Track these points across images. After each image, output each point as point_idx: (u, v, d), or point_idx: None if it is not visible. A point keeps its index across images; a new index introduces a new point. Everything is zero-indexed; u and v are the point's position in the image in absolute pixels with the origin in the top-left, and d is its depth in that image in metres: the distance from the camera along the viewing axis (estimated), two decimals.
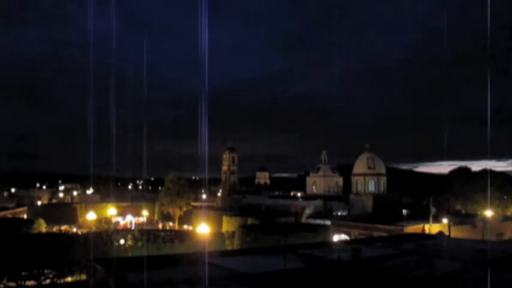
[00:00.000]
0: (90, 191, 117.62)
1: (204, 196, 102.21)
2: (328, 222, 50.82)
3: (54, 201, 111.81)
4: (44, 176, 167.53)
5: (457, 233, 44.91)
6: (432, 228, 44.78)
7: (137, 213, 78.27)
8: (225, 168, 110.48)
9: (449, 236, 39.39)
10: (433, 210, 49.33)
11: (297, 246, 28.29)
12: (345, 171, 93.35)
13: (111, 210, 67.11)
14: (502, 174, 75.56)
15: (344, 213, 69.57)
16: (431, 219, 47.26)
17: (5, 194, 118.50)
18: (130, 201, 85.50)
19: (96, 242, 32.23)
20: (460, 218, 54.72)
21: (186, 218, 69.93)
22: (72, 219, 70.37)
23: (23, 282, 17.61)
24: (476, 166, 79.20)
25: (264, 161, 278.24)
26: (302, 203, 73.61)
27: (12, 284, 17.47)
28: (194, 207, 74.98)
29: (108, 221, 69.75)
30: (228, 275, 18.65)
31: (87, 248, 26.27)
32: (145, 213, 79.19)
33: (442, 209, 57.36)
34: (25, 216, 66.55)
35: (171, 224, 72.70)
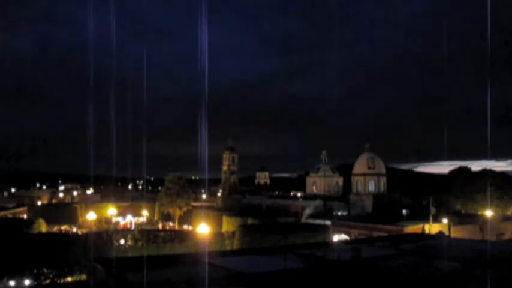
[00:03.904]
0: (90, 191, 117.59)
1: (204, 196, 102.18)
2: (328, 222, 50.79)
3: (54, 201, 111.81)
4: (44, 176, 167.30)
5: (457, 233, 44.88)
6: (432, 228, 44.74)
7: (137, 213, 78.24)
8: (225, 168, 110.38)
9: (449, 236, 39.38)
10: (433, 210, 49.26)
11: (297, 246, 28.30)
12: (345, 171, 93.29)
13: (111, 210, 67.09)
14: (502, 174, 75.56)
15: (344, 213, 69.53)
16: (431, 219, 47.21)
17: (5, 194, 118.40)
18: (130, 201, 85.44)
19: (96, 242, 32.24)
20: (460, 218, 54.68)
21: (186, 218, 69.92)
22: (72, 219, 70.36)
23: (23, 282, 17.64)
24: (476, 166, 79.13)
25: (264, 161, 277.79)
26: (302, 203, 73.59)
27: (12, 283, 17.49)
28: (194, 207, 74.98)
29: (108, 221, 69.74)
30: (228, 275, 18.65)
31: (87, 248, 26.27)
32: (145, 213, 79.16)
33: (442, 209, 57.27)
34: (25, 216, 66.56)
35: (171, 224, 72.69)
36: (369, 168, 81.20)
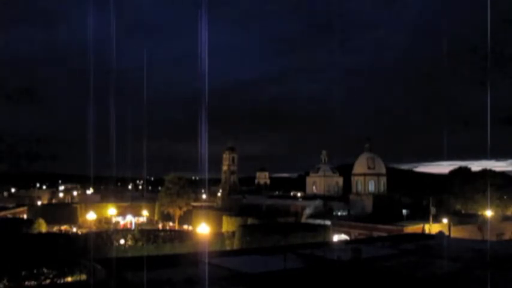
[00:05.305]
0: (90, 191, 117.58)
1: (204, 196, 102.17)
2: (328, 222, 50.79)
3: (54, 201, 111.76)
4: (44, 176, 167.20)
5: (457, 233, 44.87)
6: (432, 228, 44.73)
7: (137, 213, 78.22)
8: (225, 168, 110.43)
9: (449, 236, 39.37)
10: (433, 210, 49.25)
11: (297, 246, 28.28)
12: (345, 171, 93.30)
13: (111, 210, 67.09)
14: (502, 174, 75.59)
15: (344, 213, 69.53)
16: (431, 219, 47.21)
17: (5, 194, 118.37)
18: (130, 201, 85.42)
19: (96, 242, 32.21)
20: (460, 218, 54.67)
21: (186, 218, 69.89)
22: (72, 219, 70.33)
23: (23, 282, 17.61)
24: (476, 166, 78.90)
25: (264, 161, 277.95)
26: (302, 203, 73.56)
27: (12, 284, 17.47)
28: (194, 207, 74.95)
29: (108, 221, 69.70)
30: (228, 275, 18.64)
31: (87, 248, 26.26)
32: (145, 213, 79.15)
33: (442, 209, 57.28)
34: (25, 216, 66.51)
35: (171, 224, 72.67)
36: (369, 168, 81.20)
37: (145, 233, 38.41)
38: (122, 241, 35.59)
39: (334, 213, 66.46)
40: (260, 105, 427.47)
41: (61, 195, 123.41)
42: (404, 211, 56.02)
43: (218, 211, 71.12)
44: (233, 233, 41.42)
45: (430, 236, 36.18)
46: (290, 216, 61.96)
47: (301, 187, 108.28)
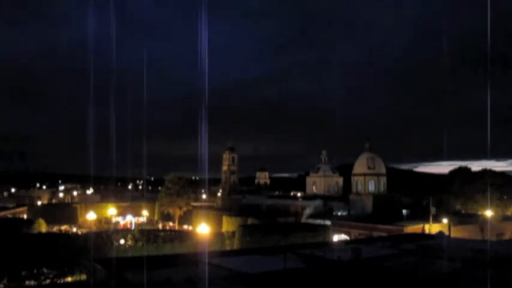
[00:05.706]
0: (90, 191, 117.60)
1: (204, 196, 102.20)
2: (328, 222, 50.80)
3: (54, 201, 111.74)
4: (44, 176, 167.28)
5: (457, 233, 44.88)
6: (432, 228, 44.74)
7: (137, 213, 78.21)
8: (225, 168, 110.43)
9: (449, 236, 39.38)
10: (433, 210, 49.26)
11: (297, 246, 28.29)
12: (345, 171, 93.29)
13: (111, 210, 67.08)
14: (502, 174, 75.62)
15: (344, 213, 69.54)
16: (431, 219, 47.22)
17: (5, 194, 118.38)
18: (130, 201, 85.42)
19: (96, 242, 32.21)
20: (460, 218, 54.69)
21: (186, 218, 69.91)
22: (72, 219, 70.33)
23: (23, 282, 17.63)
24: (476, 166, 78.96)
25: (264, 161, 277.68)
26: (302, 203, 73.55)
27: (12, 284, 17.48)
28: (194, 207, 74.99)
29: (108, 221, 69.71)
30: (228, 275, 18.65)
31: (87, 248, 26.26)
32: (145, 213, 79.15)
33: (442, 209, 57.29)
34: (25, 216, 66.52)
35: (171, 224, 72.69)
36: (369, 168, 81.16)
37: (145, 233, 38.40)
38: (122, 241, 35.59)
39: (334, 213, 66.45)
40: (260, 105, 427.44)
41: (61, 195, 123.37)
42: (404, 211, 56.03)
43: (218, 211, 71.12)
44: (233, 233, 41.42)
45: (430, 236, 36.20)
46: (290, 216, 61.96)
47: (301, 187, 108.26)
